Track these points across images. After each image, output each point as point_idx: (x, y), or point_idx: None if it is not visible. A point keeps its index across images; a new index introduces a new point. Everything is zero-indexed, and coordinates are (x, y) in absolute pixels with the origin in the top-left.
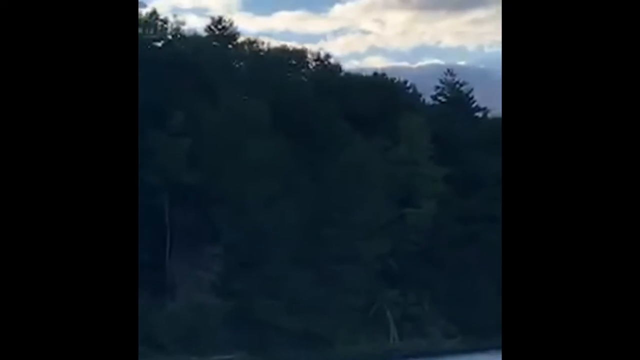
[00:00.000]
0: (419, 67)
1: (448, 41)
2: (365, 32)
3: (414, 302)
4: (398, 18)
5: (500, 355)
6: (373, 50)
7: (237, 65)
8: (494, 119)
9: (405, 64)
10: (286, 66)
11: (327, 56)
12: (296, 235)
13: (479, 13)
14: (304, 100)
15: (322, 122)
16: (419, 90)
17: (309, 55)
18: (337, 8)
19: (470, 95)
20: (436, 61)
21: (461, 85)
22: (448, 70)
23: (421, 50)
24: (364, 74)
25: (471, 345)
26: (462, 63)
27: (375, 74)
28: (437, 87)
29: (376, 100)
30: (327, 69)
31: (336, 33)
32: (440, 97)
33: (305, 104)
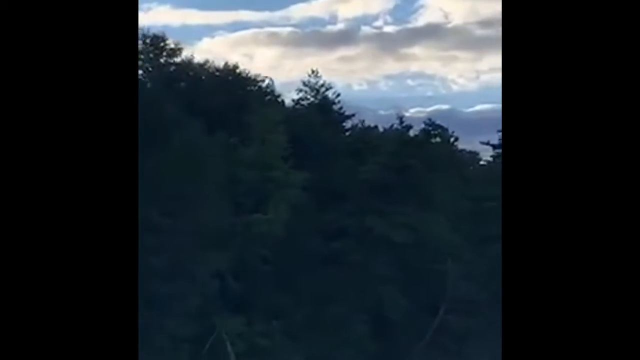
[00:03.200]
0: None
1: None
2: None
3: (262, 333)
4: (266, 53)
5: None
6: None
7: None
8: (363, 129)
9: None
10: None
11: (164, 41)
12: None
13: (347, 51)
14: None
15: (156, 112)
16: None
17: (147, 40)
18: (206, 41)
19: (337, 101)
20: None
21: (327, 89)
22: (312, 71)
23: (290, 86)
24: (215, 65)
25: None
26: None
27: (226, 63)
28: (300, 90)
29: (226, 93)
30: (168, 55)
31: None
32: (302, 101)
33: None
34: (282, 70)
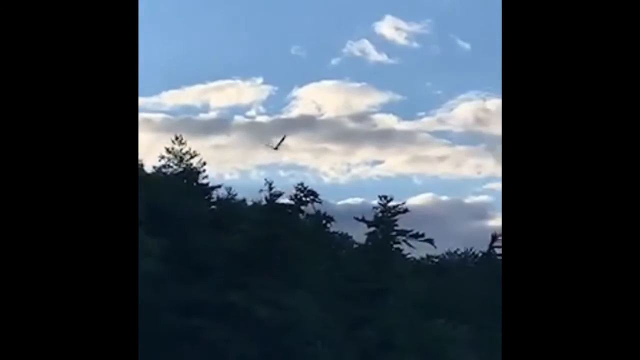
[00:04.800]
0: None
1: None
2: None
3: None
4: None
5: None
6: None
7: None
8: (227, 200)
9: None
10: None
11: None
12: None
13: (219, 140)
14: None
15: None
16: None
17: None
18: None
19: (203, 170)
20: None
21: (192, 156)
22: (176, 138)
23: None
24: None
25: None
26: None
27: None
28: (162, 157)
29: None
30: None
31: None
32: (165, 169)
33: None
34: (155, 154)
